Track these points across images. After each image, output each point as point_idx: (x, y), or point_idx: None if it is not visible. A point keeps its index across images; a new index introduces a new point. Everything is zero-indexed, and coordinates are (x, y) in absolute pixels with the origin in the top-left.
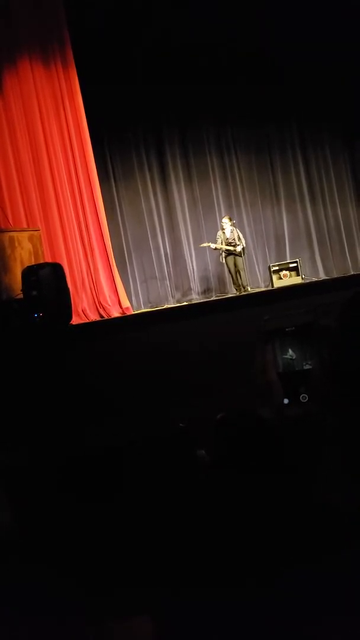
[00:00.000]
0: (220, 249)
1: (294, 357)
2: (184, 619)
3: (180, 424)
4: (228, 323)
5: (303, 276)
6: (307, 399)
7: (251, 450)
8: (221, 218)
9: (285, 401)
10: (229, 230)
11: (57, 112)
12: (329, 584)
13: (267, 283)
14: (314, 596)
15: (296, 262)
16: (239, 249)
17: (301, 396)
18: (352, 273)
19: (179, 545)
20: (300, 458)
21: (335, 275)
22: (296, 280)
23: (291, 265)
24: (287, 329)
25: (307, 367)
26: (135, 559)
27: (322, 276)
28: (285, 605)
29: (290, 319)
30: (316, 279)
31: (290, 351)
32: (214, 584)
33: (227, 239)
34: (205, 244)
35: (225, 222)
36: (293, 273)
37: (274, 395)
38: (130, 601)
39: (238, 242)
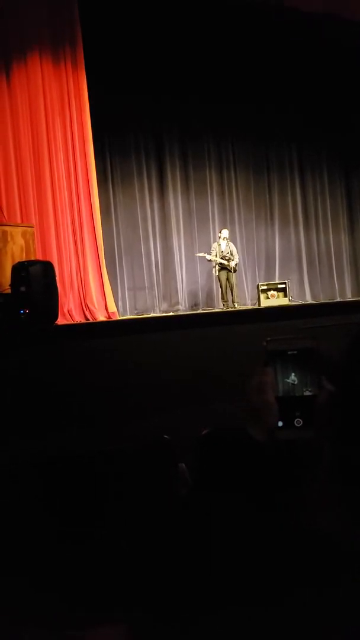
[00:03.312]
0: (215, 261)
1: (295, 382)
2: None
3: (165, 436)
4: (217, 338)
5: (290, 298)
6: (301, 423)
7: (238, 468)
8: (215, 232)
9: (280, 424)
10: (225, 244)
11: (62, 110)
12: (318, 611)
13: (255, 301)
14: (304, 626)
15: (285, 283)
16: (232, 264)
17: (295, 420)
18: (338, 300)
19: (159, 563)
20: (290, 481)
21: (321, 300)
22: (283, 301)
23: (280, 286)
24: (289, 352)
25: (307, 393)
26: (111, 575)
27: (309, 300)
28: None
29: (292, 342)
30: (303, 302)
31: (292, 375)
32: (194, 607)
33: (222, 252)
34: (200, 254)
35: (224, 233)
36: (281, 294)
37: (268, 416)
38: (105, 618)
39: (232, 257)
